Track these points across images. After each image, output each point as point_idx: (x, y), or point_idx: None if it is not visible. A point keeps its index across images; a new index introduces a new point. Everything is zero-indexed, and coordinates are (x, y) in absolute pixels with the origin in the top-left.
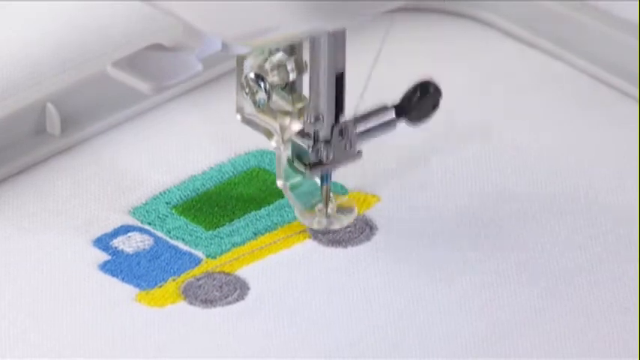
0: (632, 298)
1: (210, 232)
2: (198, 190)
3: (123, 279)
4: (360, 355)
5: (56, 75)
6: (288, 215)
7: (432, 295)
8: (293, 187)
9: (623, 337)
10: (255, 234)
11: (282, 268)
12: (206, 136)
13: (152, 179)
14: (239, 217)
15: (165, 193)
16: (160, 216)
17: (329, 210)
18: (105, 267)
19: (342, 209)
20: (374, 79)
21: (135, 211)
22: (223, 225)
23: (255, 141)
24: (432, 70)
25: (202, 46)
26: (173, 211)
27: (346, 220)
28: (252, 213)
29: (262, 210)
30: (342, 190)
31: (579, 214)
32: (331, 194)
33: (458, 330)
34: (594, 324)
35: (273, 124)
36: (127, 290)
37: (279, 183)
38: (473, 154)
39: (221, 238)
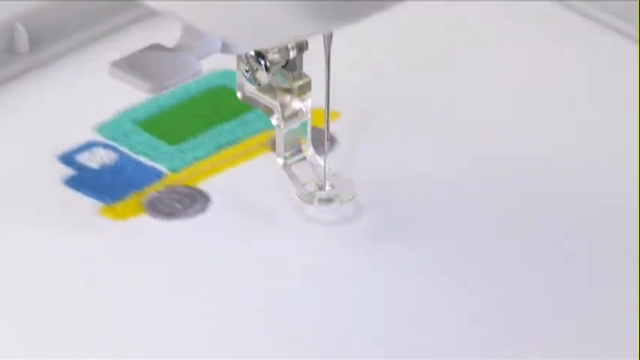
0: (632, 298)
1: (174, 146)
2: (163, 106)
3: (87, 193)
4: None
5: None
6: (250, 129)
7: (433, 296)
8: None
9: (624, 338)
10: (218, 148)
11: (244, 181)
12: None
13: (118, 97)
14: (202, 132)
15: (130, 110)
16: (125, 132)
17: (326, 189)
18: (70, 182)
19: (338, 183)
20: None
21: (100, 128)
22: (186, 139)
23: (220, 61)
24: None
25: (202, 46)
26: (138, 127)
27: (346, 198)
28: (215, 128)
29: (225, 125)
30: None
31: (579, 215)
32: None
33: (458, 331)
34: (595, 325)
35: (273, 102)
36: (91, 204)
37: (280, 161)
38: (475, 154)
39: (184, 152)
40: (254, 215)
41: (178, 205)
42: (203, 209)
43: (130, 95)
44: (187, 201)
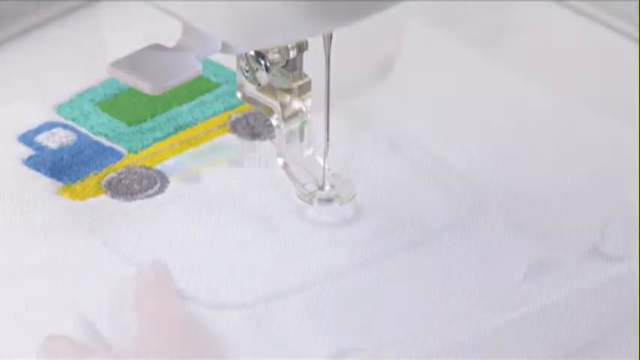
0: (632, 299)
1: (133, 127)
2: (122, 87)
3: (46, 173)
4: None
5: None
6: (208, 111)
7: (433, 296)
8: None
9: (624, 338)
10: (176, 129)
11: (202, 162)
12: (131, 37)
13: (77, 77)
14: (161, 113)
15: (89, 90)
16: (84, 112)
17: (326, 189)
18: (29, 162)
19: (338, 183)
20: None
21: (60, 108)
22: (145, 120)
23: (221, 61)
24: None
25: (202, 46)
26: (97, 108)
27: (346, 198)
28: (174, 109)
29: (184, 106)
30: None
31: (579, 214)
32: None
33: (458, 331)
34: (595, 325)
35: (273, 102)
36: (51, 184)
37: (280, 161)
38: (475, 154)
39: (143, 133)
40: (254, 215)
41: (137, 186)
42: (162, 190)
43: (90, 75)
44: (146, 182)
